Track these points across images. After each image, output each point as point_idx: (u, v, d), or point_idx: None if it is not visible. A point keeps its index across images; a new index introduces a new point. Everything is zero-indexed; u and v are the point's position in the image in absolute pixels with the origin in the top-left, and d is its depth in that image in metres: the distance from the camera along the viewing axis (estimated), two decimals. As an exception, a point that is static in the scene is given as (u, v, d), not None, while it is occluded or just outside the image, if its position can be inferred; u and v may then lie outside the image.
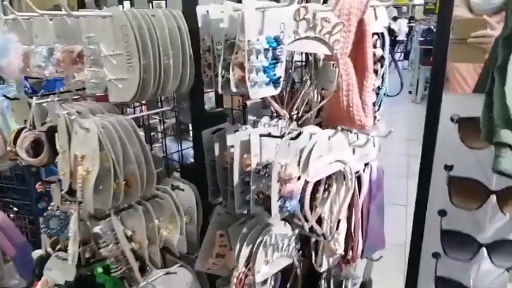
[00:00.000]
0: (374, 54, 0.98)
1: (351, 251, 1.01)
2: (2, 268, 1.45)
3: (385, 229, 1.11)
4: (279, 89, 0.77)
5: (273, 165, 0.73)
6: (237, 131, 0.83)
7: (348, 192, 0.93)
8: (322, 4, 0.94)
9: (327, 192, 0.93)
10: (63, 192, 0.81)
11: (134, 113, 1.03)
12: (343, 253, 1.00)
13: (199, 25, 0.79)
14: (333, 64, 0.86)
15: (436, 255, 1.08)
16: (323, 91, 0.91)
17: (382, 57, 0.99)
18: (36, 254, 1.10)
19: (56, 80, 1.47)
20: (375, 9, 0.97)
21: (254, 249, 0.79)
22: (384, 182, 1.09)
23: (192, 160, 0.98)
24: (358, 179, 1.02)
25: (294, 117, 0.96)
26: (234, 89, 0.73)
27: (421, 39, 5.70)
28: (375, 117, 1.04)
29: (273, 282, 0.89)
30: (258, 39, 0.70)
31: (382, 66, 1.00)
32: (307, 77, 0.93)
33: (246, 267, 0.80)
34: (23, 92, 1.23)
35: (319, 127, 0.90)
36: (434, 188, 0.99)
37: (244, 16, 0.68)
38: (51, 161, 0.91)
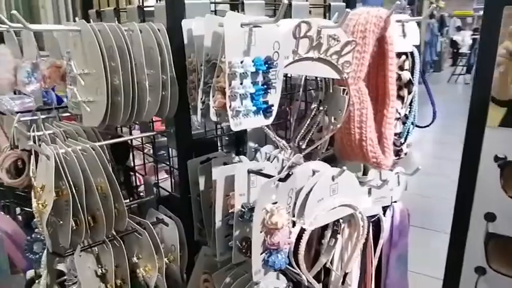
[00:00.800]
0: (400, 78, 0.83)
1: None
2: (10, 280, 1.43)
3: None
4: (271, 119, 0.65)
5: (255, 211, 0.61)
6: (227, 163, 0.72)
7: (358, 240, 0.79)
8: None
9: (333, 239, 0.79)
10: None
11: (130, 134, 0.95)
12: (352, 310, 0.85)
13: (185, 42, 0.69)
14: (344, 90, 0.73)
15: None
16: (334, 120, 0.77)
17: (410, 82, 0.83)
18: (29, 274, 1.05)
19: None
20: (403, 25, 0.83)
21: (234, 305, 0.68)
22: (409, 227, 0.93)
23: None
24: (378, 223, 0.87)
25: (303, 146, 0.83)
26: (213, 118, 0.62)
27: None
28: (400, 150, 0.89)
29: None
30: (242, 61, 0.59)
31: (410, 92, 0.85)
32: (316, 104, 0.80)
33: (224, 324, 0.68)
34: (41, 103, 1.21)
35: (330, 160, 0.77)
36: (470, 241, 0.82)
37: (225, 33, 0.57)
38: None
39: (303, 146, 0.80)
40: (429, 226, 2.31)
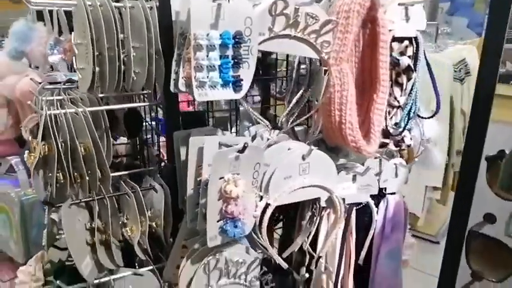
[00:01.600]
0: (398, 64, 0.80)
1: (341, 297, 0.84)
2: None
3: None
4: (242, 93, 0.67)
5: (210, 178, 0.64)
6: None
7: (335, 225, 0.78)
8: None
9: (312, 222, 0.79)
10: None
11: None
12: (331, 296, 0.84)
13: (173, 18, 0.73)
14: (325, 71, 0.72)
15: None
16: (316, 101, 0.77)
17: (409, 68, 0.79)
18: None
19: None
20: (406, 9, 0.79)
21: (196, 270, 0.71)
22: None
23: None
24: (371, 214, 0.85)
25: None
26: (182, 88, 0.66)
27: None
28: (401, 141, 0.85)
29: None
30: (208, 34, 0.62)
31: (409, 79, 0.81)
32: (305, 85, 0.80)
33: (187, 287, 0.72)
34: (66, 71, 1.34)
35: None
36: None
37: (191, 6, 0.61)
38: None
39: (289, 126, 0.81)
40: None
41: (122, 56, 0.71)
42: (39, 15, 1.01)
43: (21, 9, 1.14)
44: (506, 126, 0.86)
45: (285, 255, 0.78)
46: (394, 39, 0.79)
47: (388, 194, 0.86)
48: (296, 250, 0.86)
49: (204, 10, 0.61)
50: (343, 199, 0.79)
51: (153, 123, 0.98)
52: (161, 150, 1.07)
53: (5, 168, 1.44)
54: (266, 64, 0.99)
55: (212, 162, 0.63)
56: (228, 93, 0.66)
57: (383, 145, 0.85)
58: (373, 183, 0.82)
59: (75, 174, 0.74)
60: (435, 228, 2.67)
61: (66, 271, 0.93)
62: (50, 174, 0.72)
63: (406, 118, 0.82)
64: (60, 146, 0.72)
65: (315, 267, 0.82)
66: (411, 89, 0.81)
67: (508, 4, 0.68)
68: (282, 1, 0.66)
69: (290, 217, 0.88)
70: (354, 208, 0.81)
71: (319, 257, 0.80)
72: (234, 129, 0.90)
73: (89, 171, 0.74)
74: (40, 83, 0.93)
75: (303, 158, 0.70)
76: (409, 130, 0.86)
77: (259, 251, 0.75)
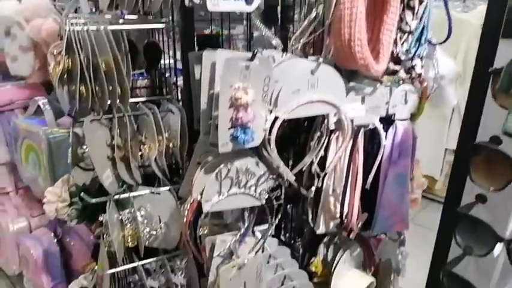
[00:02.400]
0: (410, -15, 0.80)
1: (346, 218, 0.87)
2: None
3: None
4: (253, 6, 0.69)
5: (220, 86, 0.67)
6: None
7: (342, 143, 0.80)
8: None
9: (317, 142, 0.82)
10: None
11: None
12: (337, 215, 0.87)
13: None
14: (335, -12, 0.73)
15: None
16: (327, 20, 0.78)
17: (422, -10, 0.80)
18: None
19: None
20: None
21: (208, 178, 0.75)
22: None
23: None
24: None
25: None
26: (196, 0, 0.69)
27: None
28: (412, 68, 0.86)
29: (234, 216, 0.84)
30: None
31: (421, 2, 0.81)
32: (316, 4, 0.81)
33: (201, 195, 0.77)
34: None
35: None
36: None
37: None
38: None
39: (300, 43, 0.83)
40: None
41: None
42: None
43: None
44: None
45: (293, 172, 0.81)
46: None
47: (397, 120, 0.88)
48: (305, 175, 0.90)
49: None
50: (352, 120, 0.81)
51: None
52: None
53: (33, 109, 1.51)
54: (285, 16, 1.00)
55: (222, 71, 0.66)
56: (240, 5, 0.69)
57: (393, 72, 0.86)
58: (381, 104, 0.84)
59: (97, 89, 0.78)
60: (453, 193, 2.64)
61: (90, 194, 1.00)
62: (74, 88, 0.77)
63: (417, 43, 0.83)
64: (83, 60, 0.76)
65: (323, 188, 0.85)
66: (423, 13, 0.81)
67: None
68: None
69: (300, 144, 0.91)
70: (362, 130, 0.83)
71: (326, 177, 0.83)
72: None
73: (110, 87, 0.79)
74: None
75: (312, 72, 0.72)
76: (421, 58, 0.87)
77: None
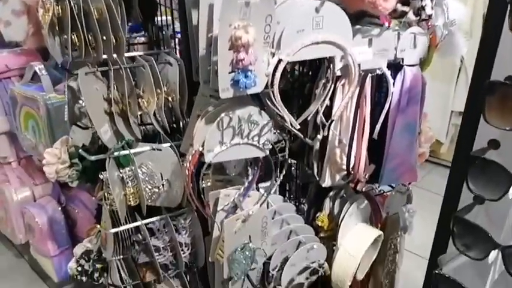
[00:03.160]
0: None
1: (353, 170, 0.84)
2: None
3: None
4: None
5: (220, 26, 0.63)
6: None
7: (349, 88, 0.77)
8: None
9: (323, 89, 0.78)
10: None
11: None
12: (344, 167, 0.85)
13: None
14: None
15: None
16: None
17: None
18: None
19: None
20: None
21: (210, 127, 0.72)
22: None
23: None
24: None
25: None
26: None
27: None
28: (421, 8, 0.82)
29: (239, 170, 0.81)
30: None
31: None
32: None
33: (202, 146, 0.74)
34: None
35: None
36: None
37: None
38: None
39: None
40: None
41: None
42: None
43: None
44: None
45: (299, 121, 0.78)
46: None
47: (406, 65, 0.84)
48: (310, 126, 0.87)
49: None
50: (359, 65, 0.77)
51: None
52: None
53: (30, 75, 1.48)
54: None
55: (221, 9, 0.62)
56: None
57: (401, 15, 0.82)
58: (389, 48, 0.80)
59: (90, 38, 0.75)
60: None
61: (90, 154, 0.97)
62: (65, 37, 0.73)
63: (427, -17, 0.78)
64: (73, 7, 0.72)
65: (328, 139, 0.82)
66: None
67: None
68: None
69: (304, 96, 0.88)
70: (369, 76, 0.80)
71: (332, 127, 0.80)
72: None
73: (104, 37, 0.75)
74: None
75: (317, 10, 0.68)
76: (431, -1, 0.82)
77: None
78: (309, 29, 0.69)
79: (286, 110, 0.73)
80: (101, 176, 0.87)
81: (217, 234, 0.82)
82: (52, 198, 1.61)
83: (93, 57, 0.77)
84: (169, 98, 0.85)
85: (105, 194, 0.93)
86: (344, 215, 0.92)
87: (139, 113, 0.87)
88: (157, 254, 0.96)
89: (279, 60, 0.69)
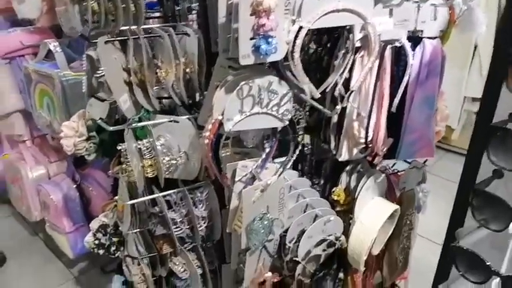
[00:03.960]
0: None
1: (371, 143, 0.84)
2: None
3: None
4: None
5: (241, -10, 0.63)
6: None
7: (369, 59, 0.76)
8: None
9: (342, 60, 0.78)
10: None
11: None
12: (362, 141, 0.84)
13: None
14: None
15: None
16: None
17: None
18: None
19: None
20: None
21: (229, 96, 0.72)
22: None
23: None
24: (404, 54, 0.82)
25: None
26: None
27: None
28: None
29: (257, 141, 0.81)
30: None
31: None
32: None
33: (222, 114, 0.74)
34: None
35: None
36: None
37: None
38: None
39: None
40: None
41: None
42: None
43: None
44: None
45: (319, 91, 0.78)
46: None
47: (425, 38, 0.83)
48: (328, 99, 0.86)
49: None
50: (379, 35, 0.76)
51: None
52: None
53: (44, 53, 1.49)
54: None
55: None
56: None
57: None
58: (410, 18, 0.79)
59: (110, 5, 0.75)
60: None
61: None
62: (85, 4, 0.74)
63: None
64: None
65: (346, 113, 0.82)
66: None
67: None
68: None
69: (323, 68, 0.88)
70: (389, 47, 0.79)
71: (350, 99, 0.80)
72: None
73: (124, 5, 0.75)
74: None
75: (337, -23, 0.68)
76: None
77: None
78: (331, -5, 0.68)
79: (307, 78, 0.73)
80: (119, 147, 0.88)
81: (235, 205, 0.83)
82: (66, 176, 1.63)
83: (112, 26, 0.77)
84: (188, 70, 0.85)
85: (123, 167, 0.94)
86: (361, 189, 0.92)
87: (157, 86, 0.87)
88: (174, 226, 0.96)
89: (300, 28, 0.69)
